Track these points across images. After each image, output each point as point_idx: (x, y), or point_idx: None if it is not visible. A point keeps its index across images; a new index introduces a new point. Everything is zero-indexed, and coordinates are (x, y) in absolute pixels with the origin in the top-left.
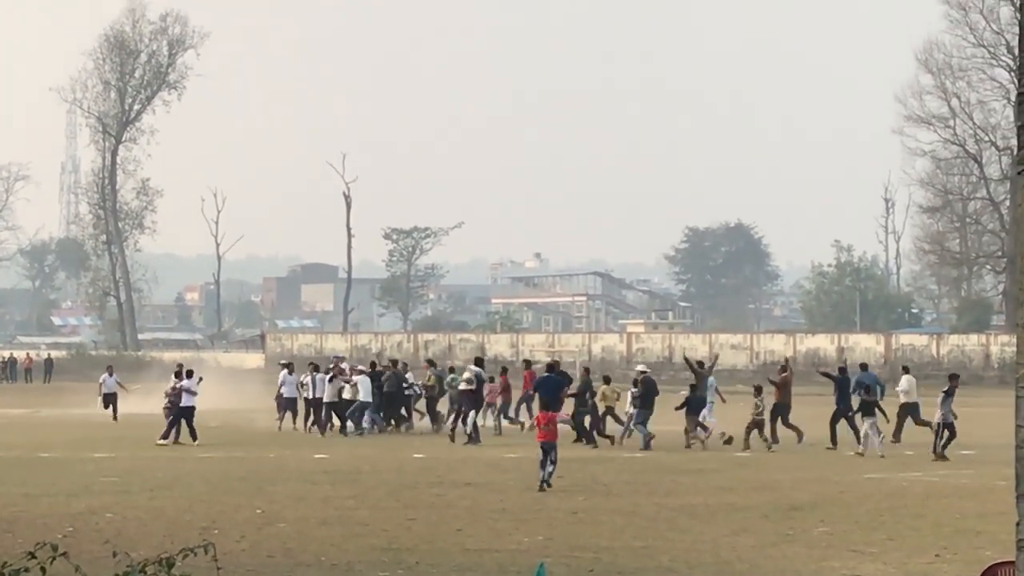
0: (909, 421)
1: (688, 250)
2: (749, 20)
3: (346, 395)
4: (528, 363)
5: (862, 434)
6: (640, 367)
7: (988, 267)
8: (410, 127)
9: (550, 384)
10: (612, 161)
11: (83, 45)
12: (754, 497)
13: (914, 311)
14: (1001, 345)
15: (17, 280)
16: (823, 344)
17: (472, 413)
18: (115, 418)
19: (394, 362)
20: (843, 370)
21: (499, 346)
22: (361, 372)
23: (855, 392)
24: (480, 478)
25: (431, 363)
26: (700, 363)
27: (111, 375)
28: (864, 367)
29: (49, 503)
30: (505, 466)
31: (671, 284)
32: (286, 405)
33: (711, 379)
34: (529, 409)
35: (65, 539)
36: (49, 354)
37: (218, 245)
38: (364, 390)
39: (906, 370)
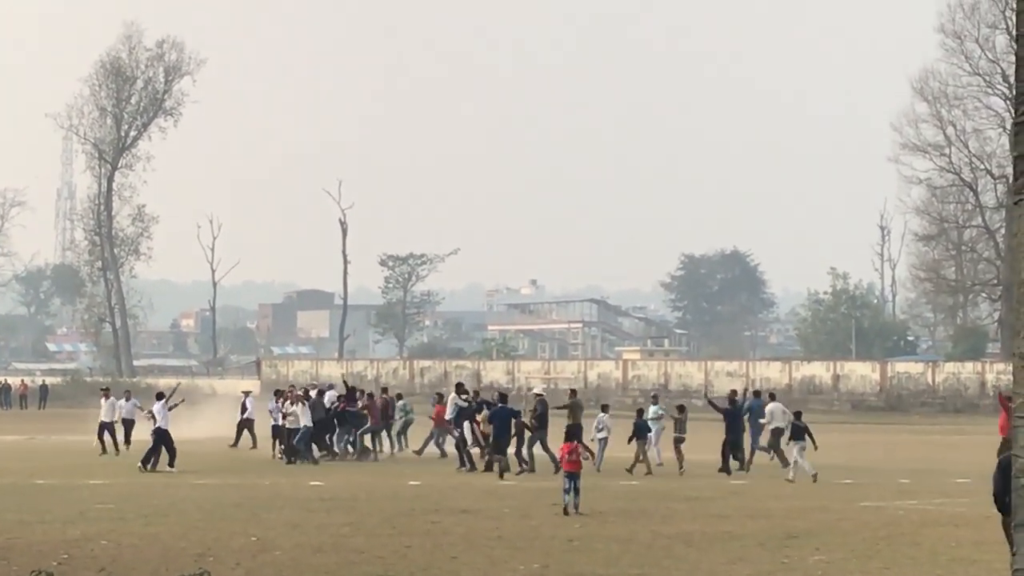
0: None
1: (684, 277)
2: (746, 49)
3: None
4: (440, 396)
5: (791, 460)
6: (535, 390)
7: (984, 295)
8: (406, 154)
9: (503, 415)
10: (608, 188)
11: (79, 71)
12: (749, 525)
13: (910, 339)
14: (997, 373)
15: (12, 306)
16: (819, 372)
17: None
18: (128, 444)
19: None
20: (733, 400)
21: (495, 373)
22: (299, 398)
23: (749, 420)
24: (476, 505)
25: (389, 391)
26: (573, 391)
27: (128, 400)
28: (757, 394)
29: (44, 530)
30: (501, 493)
31: (667, 311)
32: (274, 432)
33: (656, 408)
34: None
35: (60, 566)
36: (44, 380)
37: (214, 271)
38: (304, 416)
39: (772, 397)
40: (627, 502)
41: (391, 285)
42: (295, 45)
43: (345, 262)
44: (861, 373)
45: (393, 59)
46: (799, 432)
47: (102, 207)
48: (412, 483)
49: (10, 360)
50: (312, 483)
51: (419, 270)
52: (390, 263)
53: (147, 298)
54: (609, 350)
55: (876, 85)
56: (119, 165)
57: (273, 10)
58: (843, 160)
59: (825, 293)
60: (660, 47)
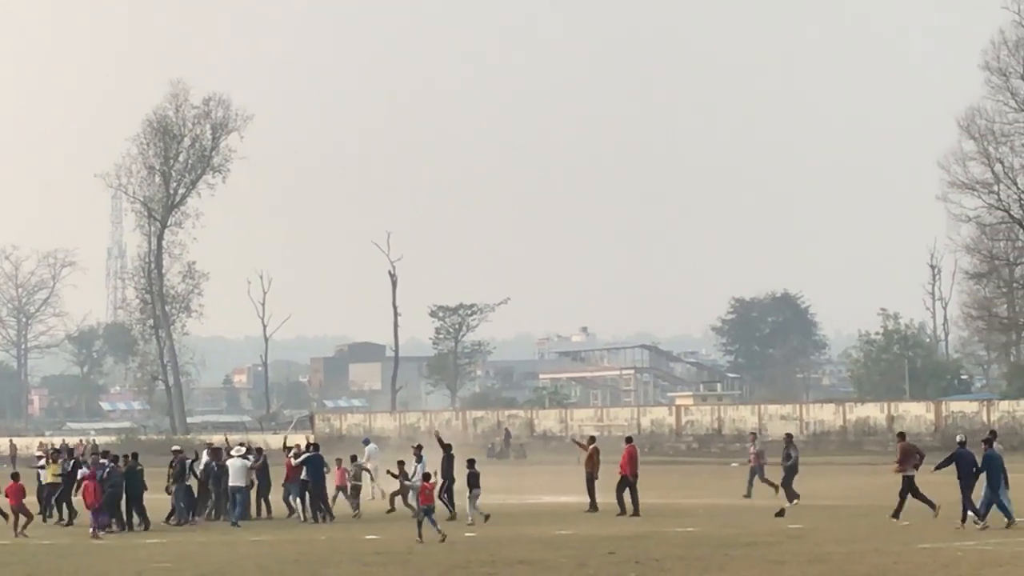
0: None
1: (735, 321)
2: (794, 89)
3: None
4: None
5: (468, 504)
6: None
7: None
8: (453, 205)
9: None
10: (657, 233)
11: (127, 131)
12: (808, 570)
13: (964, 378)
14: None
15: (65, 366)
16: (873, 413)
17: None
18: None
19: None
20: (418, 450)
21: (548, 421)
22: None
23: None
24: (532, 556)
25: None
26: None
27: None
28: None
29: None
30: (557, 543)
31: (719, 355)
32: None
33: (372, 447)
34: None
35: None
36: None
37: (265, 327)
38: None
39: (366, 442)
40: (684, 549)
41: (442, 336)
42: (342, 99)
43: (395, 314)
44: (916, 413)
45: (439, 111)
46: (474, 479)
47: (152, 265)
48: (468, 535)
49: (64, 420)
50: (368, 537)
51: (469, 320)
52: (440, 314)
53: (199, 355)
54: (662, 396)
55: (922, 124)
56: (168, 223)
57: (319, 64)
58: (891, 199)
59: (877, 334)
60: (706, 91)
